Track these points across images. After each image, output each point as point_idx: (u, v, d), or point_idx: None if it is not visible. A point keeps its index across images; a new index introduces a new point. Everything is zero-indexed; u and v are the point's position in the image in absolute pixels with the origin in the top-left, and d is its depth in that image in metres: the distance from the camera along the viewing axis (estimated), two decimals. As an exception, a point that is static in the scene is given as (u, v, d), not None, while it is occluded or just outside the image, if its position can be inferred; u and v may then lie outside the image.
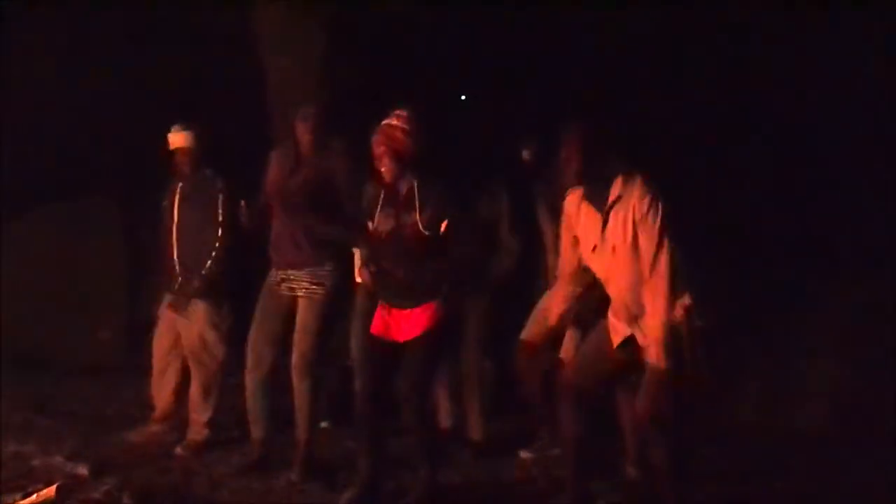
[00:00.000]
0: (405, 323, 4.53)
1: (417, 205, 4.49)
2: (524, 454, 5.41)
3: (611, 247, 4.14)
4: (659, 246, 4.01)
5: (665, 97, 6.66)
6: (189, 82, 7.61)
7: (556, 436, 4.92)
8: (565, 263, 4.39)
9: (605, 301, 4.36)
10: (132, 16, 7.67)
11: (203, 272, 5.38)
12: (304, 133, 5.01)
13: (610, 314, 4.26)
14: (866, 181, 6.27)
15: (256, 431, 5.17)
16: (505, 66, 7.10)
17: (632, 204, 4.07)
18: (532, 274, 5.38)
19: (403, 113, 4.50)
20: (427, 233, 4.48)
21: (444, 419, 5.59)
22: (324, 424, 5.74)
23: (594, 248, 4.22)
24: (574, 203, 4.30)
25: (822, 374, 6.14)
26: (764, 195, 6.60)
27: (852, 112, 6.36)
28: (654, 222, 4.02)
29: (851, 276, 6.17)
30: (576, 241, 4.31)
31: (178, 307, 5.46)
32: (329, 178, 4.97)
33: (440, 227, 4.49)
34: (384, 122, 4.50)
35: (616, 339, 4.20)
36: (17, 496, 4.45)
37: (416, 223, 4.48)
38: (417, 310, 4.51)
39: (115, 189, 7.59)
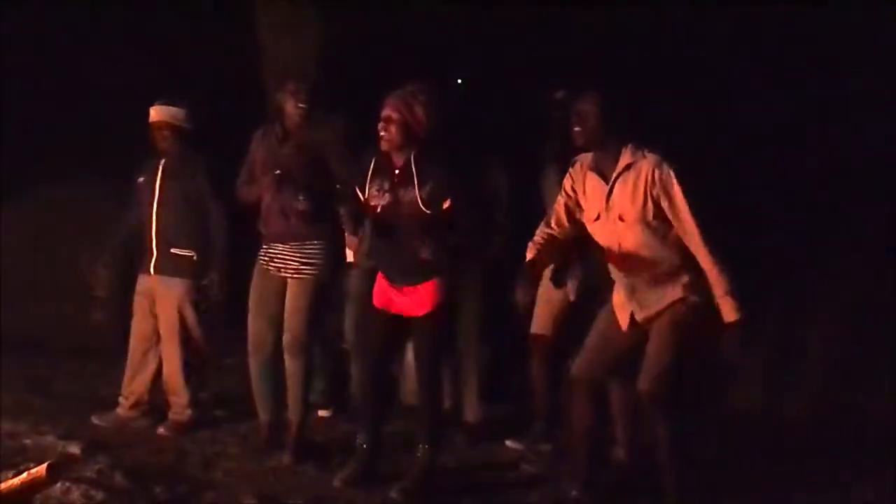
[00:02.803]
0: (410, 298, 4.48)
1: (417, 181, 4.38)
2: (511, 444, 5.33)
3: (616, 215, 4.17)
4: (686, 208, 4.07)
5: (666, 88, 6.63)
6: (187, 66, 7.58)
7: (561, 427, 4.94)
8: (553, 215, 4.41)
9: (600, 282, 4.42)
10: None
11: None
12: (292, 107, 4.97)
13: (615, 294, 4.31)
14: (866, 174, 6.25)
15: (263, 414, 5.15)
16: (504, 50, 7.09)
17: (644, 173, 4.11)
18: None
19: (425, 88, 4.42)
20: (428, 211, 4.37)
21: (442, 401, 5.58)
22: (324, 413, 5.74)
23: (597, 218, 4.25)
24: (579, 170, 4.34)
25: (818, 360, 6.14)
26: (762, 186, 6.57)
27: (856, 106, 6.34)
28: (675, 187, 4.07)
29: (848, 264, 6.16)
30: (576, 205, 4.34)
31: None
32: (319, 150, 4.94)
33: (442, 204, 4.38)
34: (408, 90, 4.41)
35: (623, 318, 4.25)
36: (10, 474, 4.43)
37: (416, 200, 4.37)
38: (421, 287, 4.44)
39: (111, 172, 7.55)
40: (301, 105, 4.94)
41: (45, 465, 4.13)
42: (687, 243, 4.11)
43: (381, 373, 4.60)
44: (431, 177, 4.39)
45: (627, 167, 4.15)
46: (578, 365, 4.37)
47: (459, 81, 6.92)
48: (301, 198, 4.82)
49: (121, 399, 5.61)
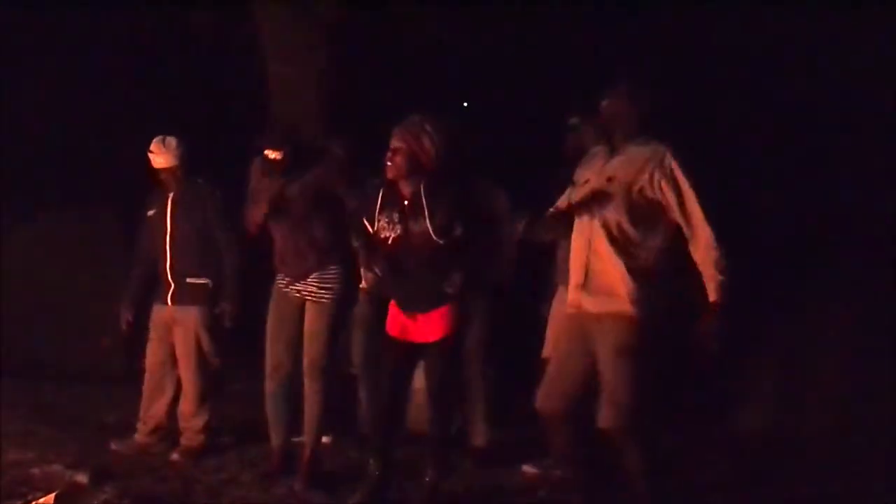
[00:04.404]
0: (423, 325, 4.47)
1: (427, 211, 4.37)
2: (528, 469, 5.28)
3: (606, 177, 4.18)
4: (692, 192, 4.08)
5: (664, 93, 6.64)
6: (193, 90, 7.61)
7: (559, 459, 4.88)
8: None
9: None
10: (136, 24, 7.68)
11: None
12: (269, 151, 4.95)
13: (570, 279, 4.31)
14: (868, 177, 6.24)
15: (276, 439, 5.13)
16: (504, 70, 7.11)
17: (653, 151, 4.13)
18: (533, 275, 5.32)
19: (439, 121, 4.41)
20: (440, 241, 4.36)
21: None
22: (325, 440, 5.71)
23: (585, 182, 4.27)
24: (588, 156, 4.39)
25: (828, 379, 6.11)
26: (763, 191, 6.57)
27: (854, 104, 6.34)
28: (682, 177, 4.09)
29: (858, 281, 6.13)
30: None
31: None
32: (325, 183, 4.95)
33: (453, 232, 4.38)
34: (415, 121, 4.40)
35: (572, 301, 4.25)
36: (16, 504, 4.42)
37: (428, 231, 4.36)
38: (435, 313, 4.44)
39: (117, 197, 7.57)
40: (274, 150, 4.93)
41: (52, 496, 4.13)
42: (687, 227, 4.08)
43: (394, 400, 4.58)
44: (441, 206, 4.38)
45: (637, 143, 4.19)
46: (540, 397, 4.33)
47: (465, 104, 6.94)
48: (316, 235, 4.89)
49: (139, 425, 5.62)
